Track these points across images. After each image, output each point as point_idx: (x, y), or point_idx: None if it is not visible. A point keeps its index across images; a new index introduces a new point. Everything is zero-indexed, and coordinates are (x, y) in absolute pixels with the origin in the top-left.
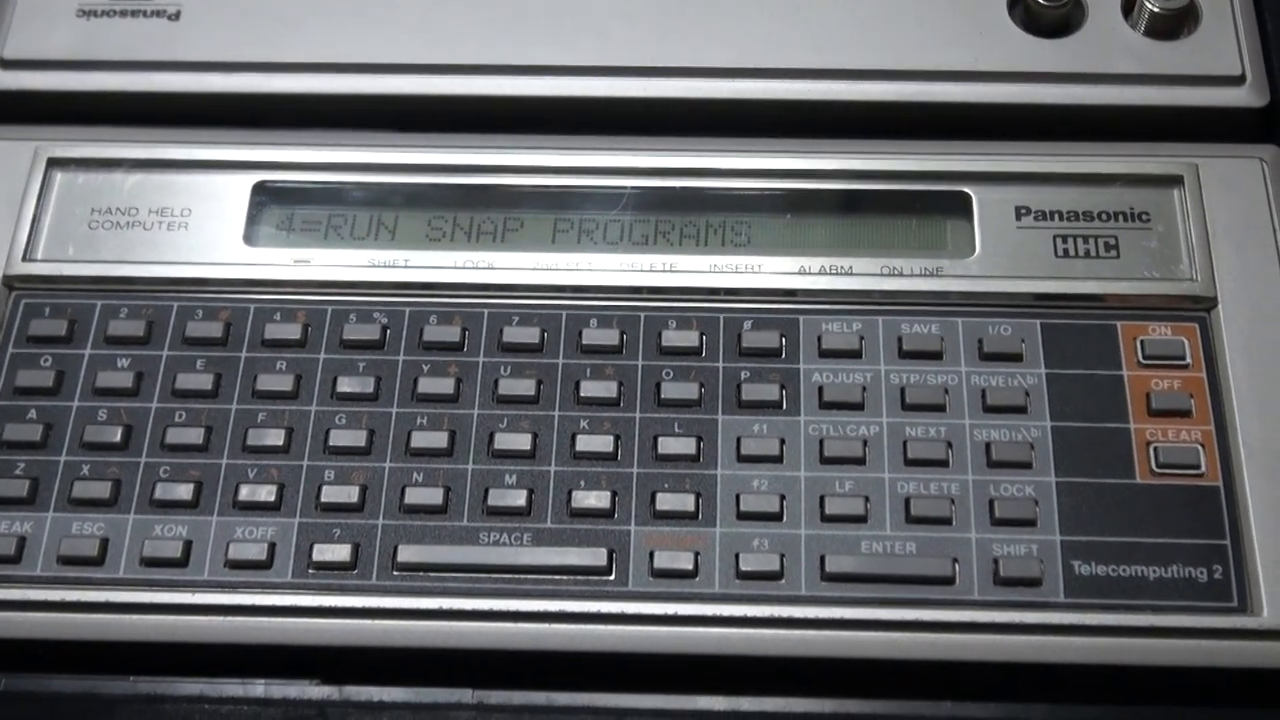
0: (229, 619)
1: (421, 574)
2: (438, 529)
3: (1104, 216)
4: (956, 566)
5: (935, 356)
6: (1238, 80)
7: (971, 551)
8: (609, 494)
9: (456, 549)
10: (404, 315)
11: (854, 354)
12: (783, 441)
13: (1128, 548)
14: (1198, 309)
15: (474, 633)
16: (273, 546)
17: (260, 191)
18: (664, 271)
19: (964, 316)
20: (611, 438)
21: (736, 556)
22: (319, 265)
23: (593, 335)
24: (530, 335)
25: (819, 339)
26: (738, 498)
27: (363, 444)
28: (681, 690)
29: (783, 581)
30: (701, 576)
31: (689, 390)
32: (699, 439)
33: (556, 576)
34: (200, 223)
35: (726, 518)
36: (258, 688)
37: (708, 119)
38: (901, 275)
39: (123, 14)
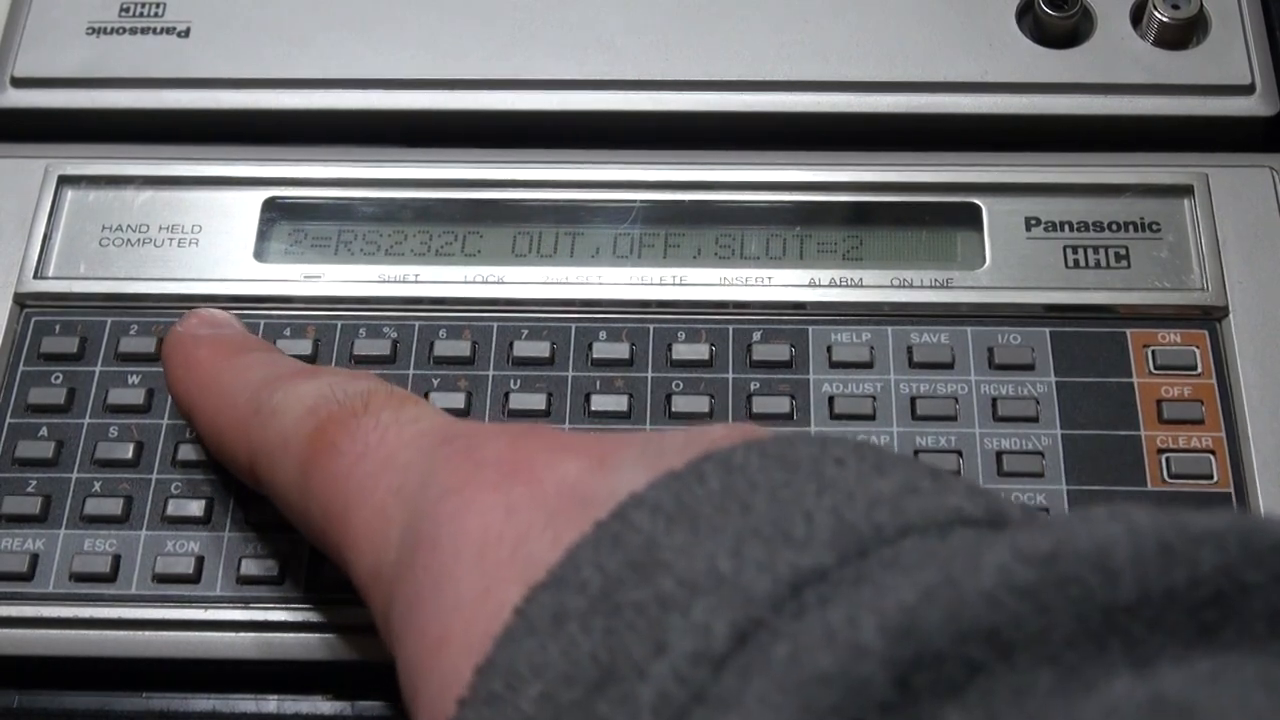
0: (241, 635)
1: None
2: None
3: (1114, 227)
4: None
5: (946, 366)
6: (1247, 90)
7: None
8: None
9: None
10: (414, 330)
11: (864, 365)
12: None
13: None
14: (1209, 318)
15: None
16: (284, 562)
17: (270, 208)
18: (673, 285)
19: (974, 326)
20: None
21: None
22: (329, 281)
23: (602, 348)
24: (540, 349)
25: (829, 350)
26: None
27: None
28: None
29: None
30: None
31: (699, 403)
32: None
33: None
34: (211, 239)
35: None
36: (270, 703)
37: (717, 132)
38: (911, 287)
39: (132, 32)
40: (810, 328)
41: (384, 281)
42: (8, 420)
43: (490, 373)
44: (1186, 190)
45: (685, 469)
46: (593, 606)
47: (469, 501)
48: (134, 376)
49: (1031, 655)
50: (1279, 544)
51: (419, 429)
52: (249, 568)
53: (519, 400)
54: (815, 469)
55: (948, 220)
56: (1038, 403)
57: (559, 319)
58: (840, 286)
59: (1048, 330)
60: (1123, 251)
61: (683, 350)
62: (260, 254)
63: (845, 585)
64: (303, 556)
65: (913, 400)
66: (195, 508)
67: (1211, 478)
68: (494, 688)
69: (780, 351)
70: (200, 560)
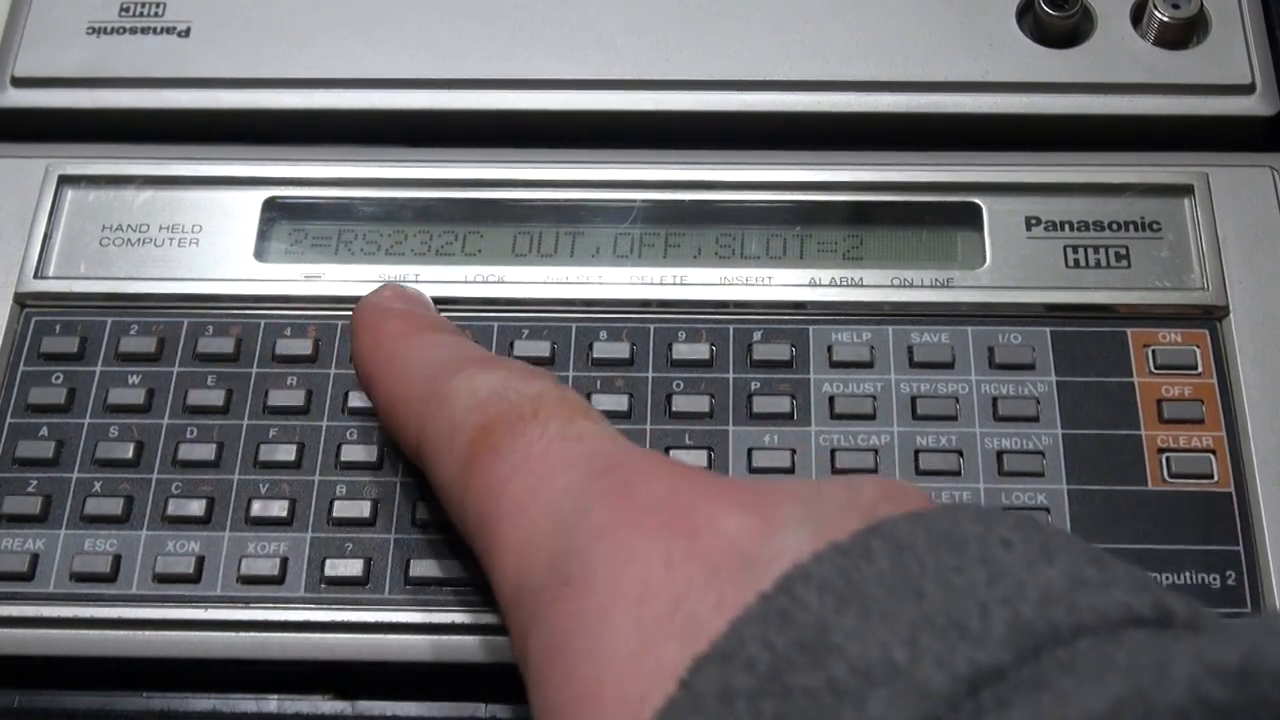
0: (241, 634)
1: (434, 588)
2: (450, 543)
3: (1114, 226)
4: None
5: (946, 366)
6: (1247, 89)
7: None
8: None
9: (469, 563)
10: None
11: (865, 364)
12: (794, 452)
13: (1140, 555)
14: (1209, 318)
15: (486, 647)
16: (285, 562)
17: (271, 207)
18: (674, 284)
19: (974, 325)
20: None
21: None
22: (330, 280)
23: (603, 348)
24: (540, 349)
25: (829, 350)
26: None
27: (374, 459)
28: None
29: None
30: None
31: (700, 402)
32: (710, 450)
33: None
34: (211, 239)
35: None
36: (270, 703)
37: (717, 132)
38: (912, 286)
39: (132, 31)
40: (811, 327)
41: (384, 281)
42: (8, 420)
43: None
44: (1187, 190)
45: (851, 544)
46: (761, 687)
47: (625, 546)
48: (134, 376)
49: None
50: None
51: (583, 450)
52: (249, 567)
53: None
54: (984, 551)
55: (948, 220)
56: (1038, 402)
57: (559, 318)
58: (840, 286)
59: (1048, 330)
60: (1123, 251)
61: (683, 350)
62: (261, 254)
63: (1024, 688)
64: (303, 556)
65: (913, 400)
66: (195, 507)
67: (1212, 477)
68: None
69: (781, 351)
70: (200, 560)
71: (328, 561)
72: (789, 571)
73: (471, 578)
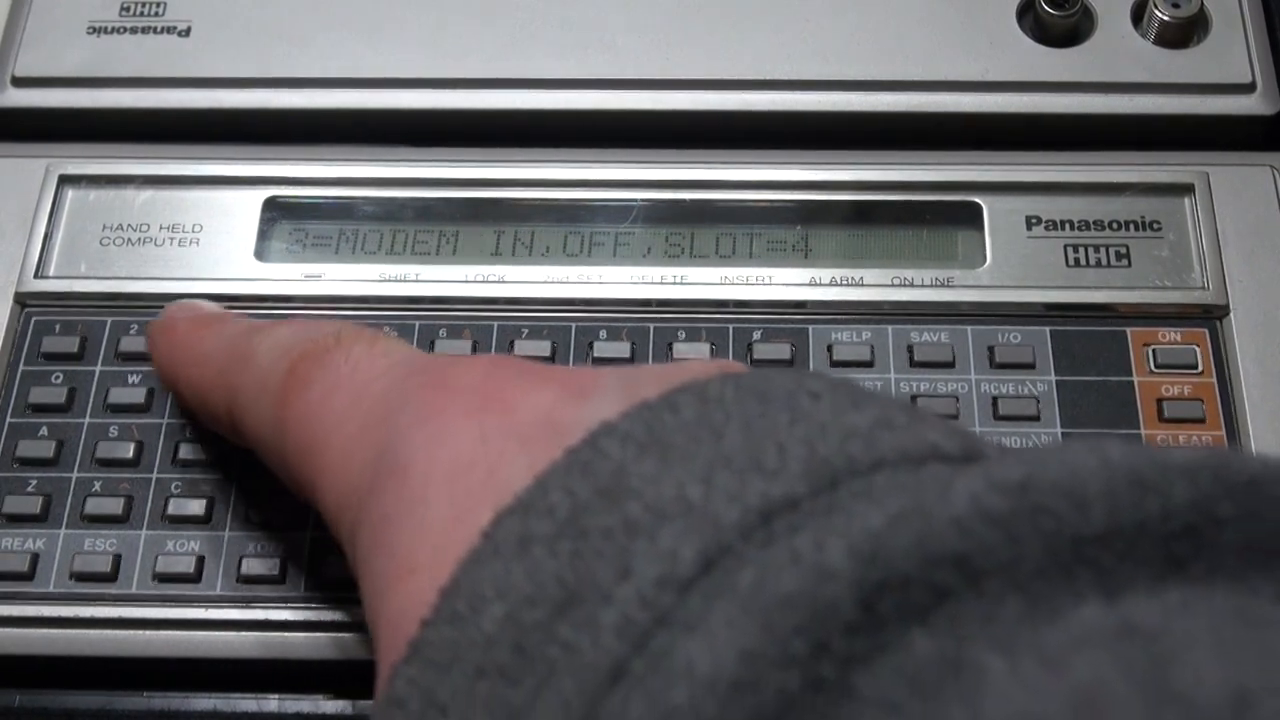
0: (241, 634)
1: None
2: None
3: (1115, 226)
4: None
5: (946, 365)
6: (1248, 88)
7: None
8: None
9: None
10: (414, 329)
11: (865, 364)
12: None
13: None
14: (1209, 317)
15: None
16: (284, 561)
17: (271, 207)
18: (674, 284)
19: (974, 325)
20: None
21: None
22: (330, 280)
23: (603, 348)
24: (540, 348)
25: (829, 349)
26: None
27: None
28: None
29: None
30: None
31: None
32: None
33: None
34: (211, 239)
35: None
36: (271, 703)
37: (718, 131)
38: (912, 286)
39: (133, 31)
40: (810, 327)
41: (384, 281)
42: (8, 420)
43: None
44: (1187, 189)
45: (659, 399)
46: (560, 531)
47: (441, 429)
48: (134, 376)
49: (1000, 582)
50: (1253, 478)
51: (391, 361)
52: (250, 567)
53: None
54: (789, 401)
55: (948, 219)
56: (1038, 402)
57: (559, 318)
58: (841, 285)
59: (1048, 329)
60: (1123, 250)
61: (683, 349)
62: (261, 253)
63: (816, 515)
64: (303, 555)
65: (913, 399)
66: (196, 507)
67: None
68: (456, 608)
69: (781, 350)
70: (201, 559)
71: (328, 560)
72: (596, 428)
73: None
